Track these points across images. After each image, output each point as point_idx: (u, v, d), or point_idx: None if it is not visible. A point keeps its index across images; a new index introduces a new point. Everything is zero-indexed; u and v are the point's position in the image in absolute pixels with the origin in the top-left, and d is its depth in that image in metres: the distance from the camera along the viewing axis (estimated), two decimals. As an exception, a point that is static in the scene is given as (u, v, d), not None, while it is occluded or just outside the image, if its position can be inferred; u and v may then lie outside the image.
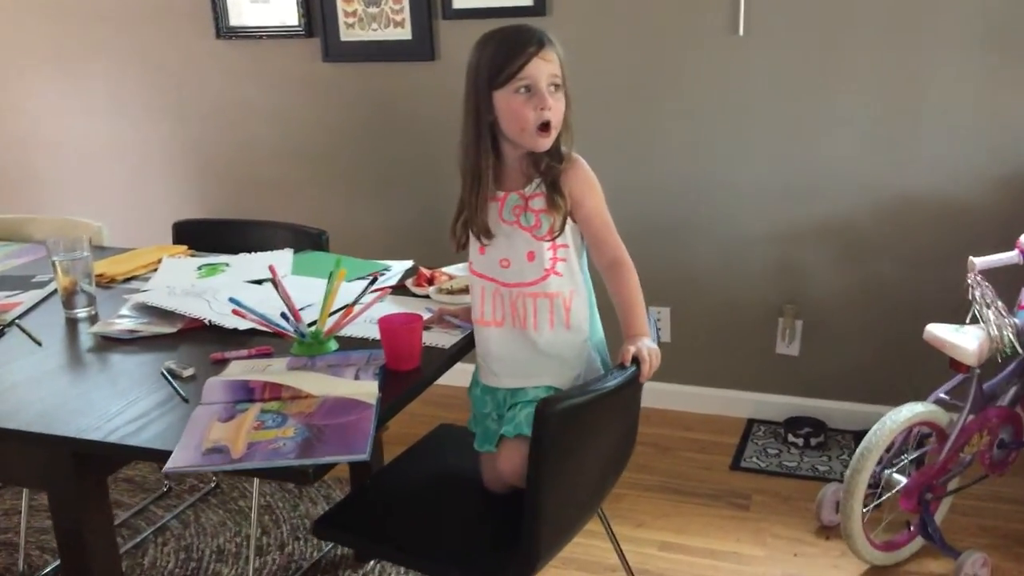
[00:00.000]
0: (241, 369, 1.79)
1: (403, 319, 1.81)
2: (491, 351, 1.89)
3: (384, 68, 3.44)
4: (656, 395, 3.25)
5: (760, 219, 3.14)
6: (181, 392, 1.72)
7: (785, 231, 3.13)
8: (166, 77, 3.74)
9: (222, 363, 1.86)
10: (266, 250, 2.59)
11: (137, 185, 3.94)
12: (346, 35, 3.43)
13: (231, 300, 1.89)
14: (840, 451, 3.07)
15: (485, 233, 1.83)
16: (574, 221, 1.82)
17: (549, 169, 1.80)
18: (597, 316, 1.91)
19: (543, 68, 1.73)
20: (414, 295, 2.21)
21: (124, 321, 2.07)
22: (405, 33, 3.35)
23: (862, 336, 3.13)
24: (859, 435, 3.05)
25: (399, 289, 2.25)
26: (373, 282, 1.99)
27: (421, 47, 3.35)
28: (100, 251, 2.67)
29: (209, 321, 2.04)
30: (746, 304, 3.24)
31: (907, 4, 2.82)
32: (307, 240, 2.62)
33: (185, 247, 2.63)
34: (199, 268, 2.47)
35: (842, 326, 3.16)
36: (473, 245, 1.89)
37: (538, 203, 1.80)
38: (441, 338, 1.92)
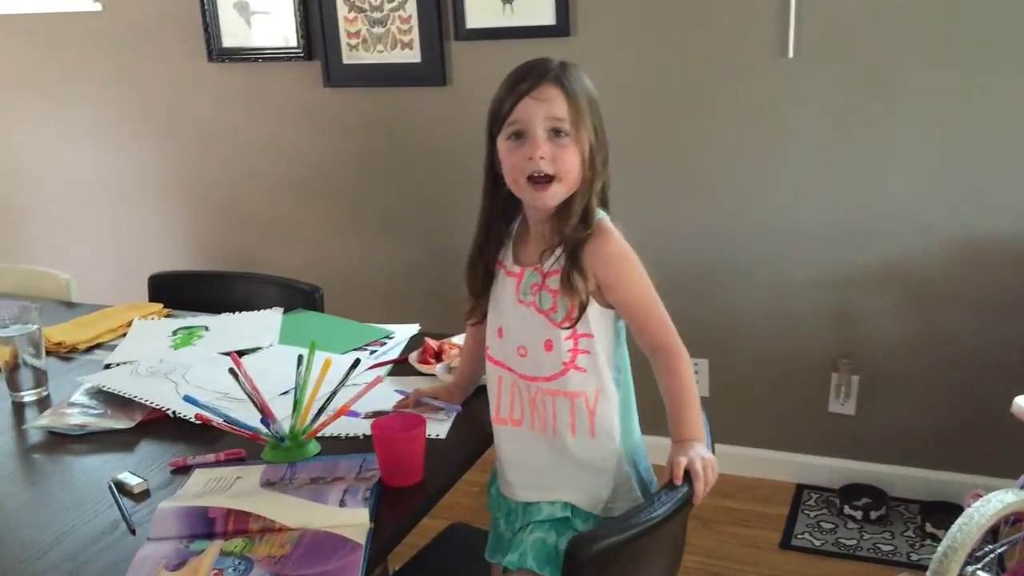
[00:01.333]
0: (203, 485, 1.46)
1: (401, 423, 1.48)
2: (505, 455, 1.57)
3: (391, 94, 3.12)
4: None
5: (811, 262, 2.80)
6: (128, 518, 1.40)
7: (839, 276, 2.78)
8: (153, 103, 3.44)
9: (184, 471, 1.53)
10: (253, 308, 2.27)
11: (120, 222, 3.64)
12: (349, 57, 3.11)
13: (187, 400, 1.57)
14: (904, 526, 2.72)
15: (482, 313, 1.58)
16: (604, 306, 1.48)
17: (569, 238, 1.47)
18: (634, 416, 1.57)
19: (536, 109, 1.43)
20: (419, 373, 1.87)
21: (74, 413, 1.75)
22: (413, 55, 3.03)
23: (927, 394, 2.78)
24: (925, 506, 2.72)
25: (400, 363, 1.93)
26: (355, 366, 1.65)
27: (431, 71, 3.02)
28: (67, 308, 2.36)
29: (173, 412, 1.72)
30: (795, 356, 2.90)
31: (981, 22, 2.47)
32: (299, 297, 2.29)
33: (160, 306, 2.31)
34: (174, 333, 2.15)
35: (904, 383, 2.81)
36: (492, 324, 1.56)
37: (556, 282, 1.47)
38: (430, 427, 1.57)
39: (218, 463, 1.55)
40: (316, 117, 3.24)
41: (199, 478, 1.49)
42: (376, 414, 1.63)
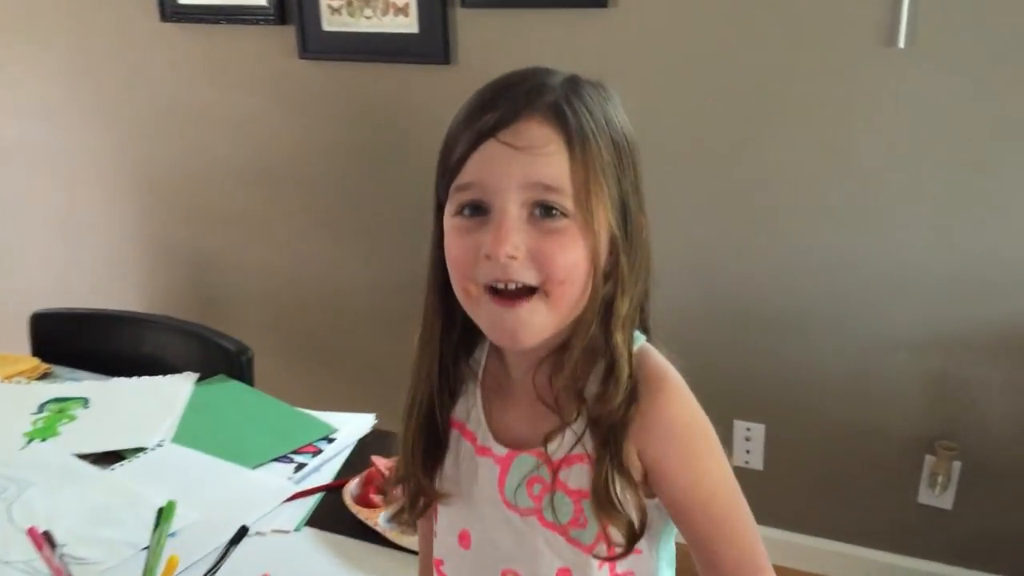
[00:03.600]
0: None
1: None
2: None
3: (381, 71, 2.49)
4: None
5: (909, 318, 2.15)
6: None
7: (945, 337, 2.14)
8: (97, 70, 2.82)
9: None
10: (160, 366, 1.69)
11: (58, 210, 3.04)
12: (330, 23, 2.47)
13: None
14: (1013, 663, 2.10)
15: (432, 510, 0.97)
16: (649, 496, 0.86)
17: (600, 418, 0.85)
18: None
19: (507, 165, 0.81)
20: (355, 520, 1.27)
21: None
22: (410, 24, 2.39)
23: (1049, 492, 2.15)
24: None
25: (334, 490, 1.33)
26: (238, 540, 1.06)
27: (431, 44, 2.38)
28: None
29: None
30: (878, 432, 2.26)
31: None
32: (221, 359, 1.69)
33: (36, 361, 1.72)
34: (39, 409, 1.56)
35: (1017, 476, 2.17)
36: (448, 524, 0.96)
37: (578, 477, 0.86)
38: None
39: None
40: (290, 95, 2.61)
41: None
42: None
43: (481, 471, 0.91)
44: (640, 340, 0.89)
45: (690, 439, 0.85)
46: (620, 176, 0.85)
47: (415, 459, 0.93)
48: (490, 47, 2.32)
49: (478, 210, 0.82)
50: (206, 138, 2.75)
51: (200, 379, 1.65)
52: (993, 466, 2.19)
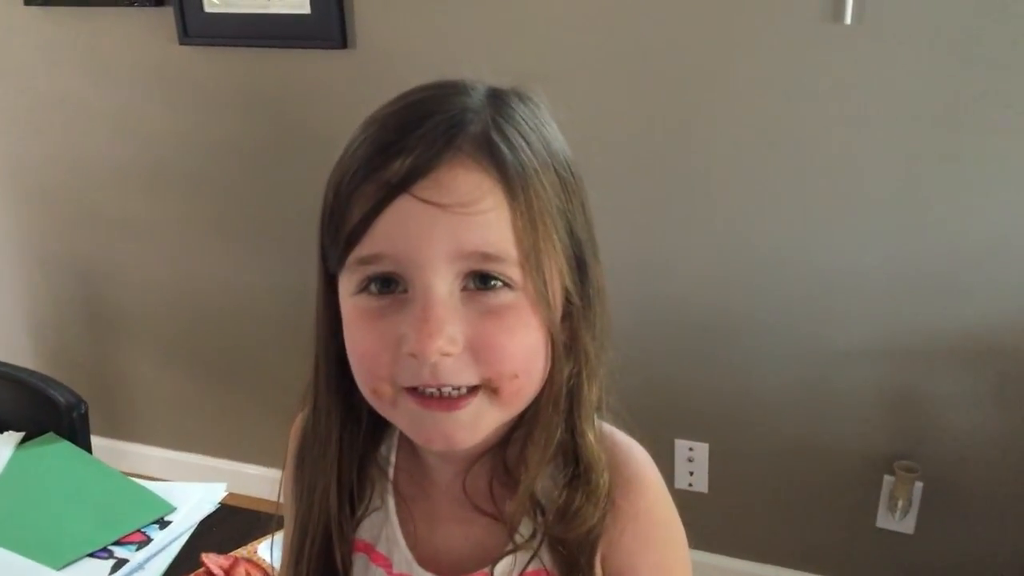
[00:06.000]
0: None
1: None
2: None
3: (271, 57, 2.22)
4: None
5: (863, 323, 1.93)
6: None
7: (903, 345, 1.91)
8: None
9: None
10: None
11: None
12: (212, 5, 2.19)
13: None
14: None
15: None
16: None
17: (568, 525, 0.66)
18: None
19: (431, 230, 0.61)
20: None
21: None
22: (300, 4, 2.11)
23: (1016, 515, 1.94)
24: None
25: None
26: None
27: (325, 27, 2.11)
28: None
29: None
30: (832, 450, 2.04)
31: None
32: (49, 414, 1.41)
33: None
34: None
35: (984, 498, 1.96)
36: None
37: None
38: None
39: None
40: (171, 85, 2.32)
41: None
42: None
43: None
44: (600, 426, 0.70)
45: (665, 543, 0.69)
46: (571, 221, 0.64)
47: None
48: (392, 29, 2.05)
49: (390, 283, 0.62)
50: (80, 133, 2.45)
51: (27, 437, 1.39)
52: (957, 488, 1.98)
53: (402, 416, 0.64)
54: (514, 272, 0.60)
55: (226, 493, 1.25)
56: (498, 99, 0.65)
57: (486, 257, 0.60)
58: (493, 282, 0.61)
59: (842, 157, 1.84)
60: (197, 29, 2.23)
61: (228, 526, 1.18)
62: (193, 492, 1.24)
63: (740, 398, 2.07)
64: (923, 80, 1.74)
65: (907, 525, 2.03)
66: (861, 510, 2.07)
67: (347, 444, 0.70)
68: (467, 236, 0.59)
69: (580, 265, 0.65)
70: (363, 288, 0.62)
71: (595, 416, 0.68)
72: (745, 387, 2.06)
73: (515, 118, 0.64)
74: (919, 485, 1.99)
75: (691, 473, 2.17)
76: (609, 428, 0.71)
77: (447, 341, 0.59)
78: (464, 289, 0.61)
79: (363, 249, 0.61)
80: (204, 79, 2.29)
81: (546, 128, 0.66)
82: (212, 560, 1.06)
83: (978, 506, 1.97)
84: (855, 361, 1.96)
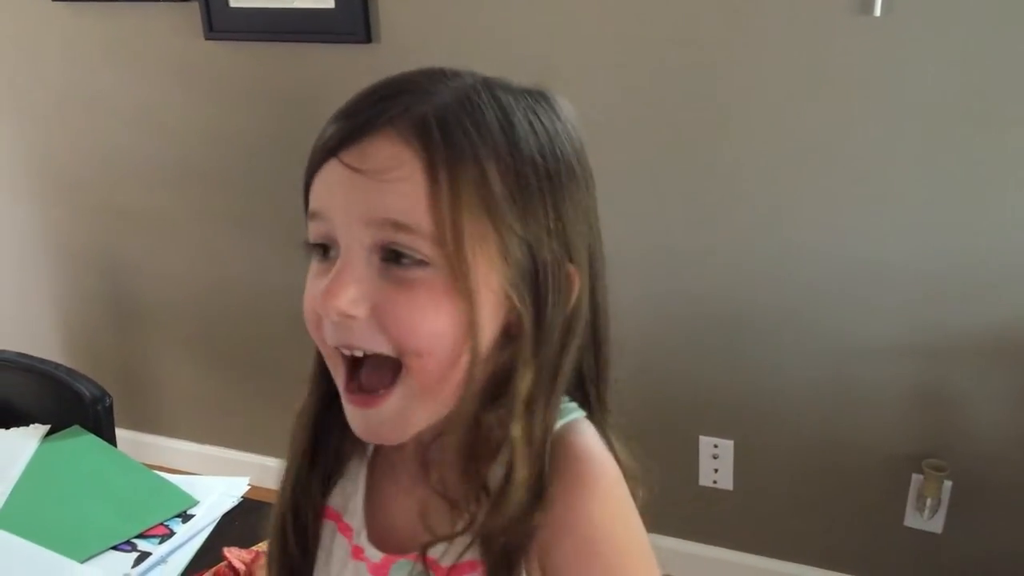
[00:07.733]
0: None
1: None
2: None
3: (296, 51, 2.22)
4: (708, 566, 2.07)
5: (890, 319, 1.91)
6: None
7: (932, 341, 1.89)
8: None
9: None
10: (7, 414, 1.42)
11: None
12: (237, 0, 2.19)
13: None
14: None
15: None
16: None
17: (492, 517, 0.64)
18: None
19: (349, 192, 0.64)
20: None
21: None
22: (325, -1, 2.11)
23: (1051, 514, 1.92)
24: None
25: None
26: None
27: (349, 21, 2.11)
28: None
29: None
30: (860, 447, 2.02)
31: None
32: (74, 407, 1.42)
33: None
34: None
35: (1019, 496, 1.93)
36: None
37: None
38: None
39: None
40: (197, 80, 2.33)
41: None
42: None
43: (354, 571, 0.70)
44: (571, 415, 0.68)
45: (611, 566, 0.64)
46: (526, 216, 0.62)
47: (276, 563, 0.74)
48: (417, 23, 2.04)
49: (324, 252, 0.67)
50: (107, 129, 2.46)
51: (52, 430, 1.39)
52: (987, 486, 1.95)
53: (345, 407, 0.67)
54: (426, 248, 0.61)
55: (248, 487, 1.25)
56: (477, 89, 0.65)
57: (397, 226, 0.61)
58: (405, 259, 0.62)
59: (870, 150, 1.81)
60: (222, 24, 2.23)
61: (250, 520, 1.18)
62: (215, 486, 1.25)
63: (766, 394, 2.05)
64: (953, 72, 1.71)
65: (936, 524, 2.01)
66: (888, 509, 2.04)
67: (324, 406, 0.73)
68: (378, 201, 0.61)
69: (533, 262, 0.63)
70: (313, 247, 0.67)
71: (552, 415, 0.65)
72: (771, 383, 2.04)
73: (482, 107, 0.63)
74: (948, 484, 1.96)
75: (716, 470, 2.14)
76: (586, 429, 0.68)
77: (348, 302, 0.62)
78: (384, 260, 0.63)
79: (310, 205, 0.67)
80: (229, 74, 2.29)
81: (531, 126, 0.64)
82: (234, 554, 1.06)
83: (1008, 506, 1.94)
84: (882, 358, 1.94)
